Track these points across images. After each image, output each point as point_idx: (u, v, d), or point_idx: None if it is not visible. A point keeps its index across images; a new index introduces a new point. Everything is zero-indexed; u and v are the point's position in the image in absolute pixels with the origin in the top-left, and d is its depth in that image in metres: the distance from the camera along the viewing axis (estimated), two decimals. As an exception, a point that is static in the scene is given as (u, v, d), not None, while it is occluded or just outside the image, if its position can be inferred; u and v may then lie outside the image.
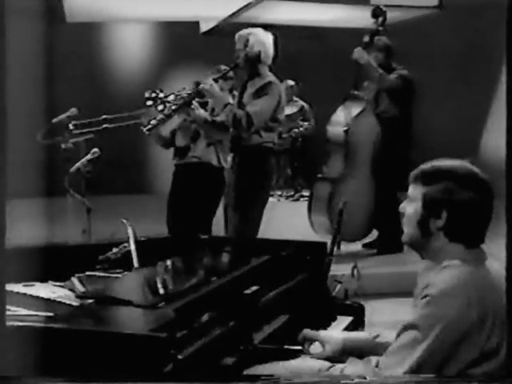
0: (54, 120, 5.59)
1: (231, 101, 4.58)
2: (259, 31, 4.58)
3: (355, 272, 4.42)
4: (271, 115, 4.50)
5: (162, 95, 5.50)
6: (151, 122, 4.66)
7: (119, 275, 2.77)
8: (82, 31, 10.19)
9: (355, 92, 5.86)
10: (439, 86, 8.21)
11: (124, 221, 2.96)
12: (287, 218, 7.16)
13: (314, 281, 3.04)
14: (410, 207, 2.07)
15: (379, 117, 5.88)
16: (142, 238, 3.06)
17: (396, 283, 5.33)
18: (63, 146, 5.54)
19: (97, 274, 2.88)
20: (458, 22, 7.90)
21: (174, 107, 4.67)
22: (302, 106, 9.48)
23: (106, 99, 11.16)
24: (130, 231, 2.92)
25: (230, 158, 5.72)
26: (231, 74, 5.55)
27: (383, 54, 5.99)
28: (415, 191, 2.06)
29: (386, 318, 4.34)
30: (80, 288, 2.65)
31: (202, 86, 4.51)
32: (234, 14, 8.04)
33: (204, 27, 10.10)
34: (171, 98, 5.39)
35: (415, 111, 6.03)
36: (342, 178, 5.77)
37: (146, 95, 5.48)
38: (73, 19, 9.32)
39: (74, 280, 2.76)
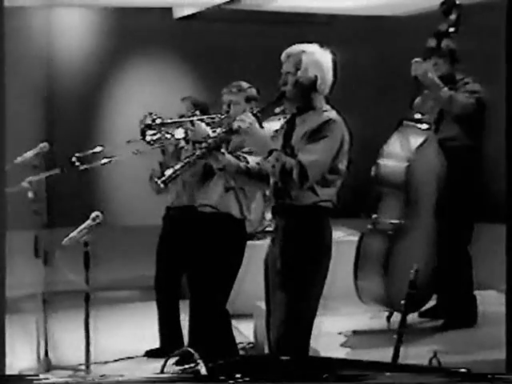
0: (18, 160, 4.93)
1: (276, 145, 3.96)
2: (315, 49, 3.94)
3: (433, 363, 4.03)
4: (330, 165, 3.88)
5: (157, 119, 4.94)
6: (166, 173, 4.01)
7: None
8: (24, 16, 9.67)
9: (414, 116, 5.24)
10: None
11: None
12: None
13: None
14: None
15: (442, 145, 5.28)
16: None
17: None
18: (30, 194, 4.90)
19: None
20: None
21: (198, 153, 4.02)
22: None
23: (61, 96, 10.69)
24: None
25: (254, 206, 5.17)
26: (255, 94, 5.01)
27: (447, 61, 5.37)
28: None
29: None
30: None
31: (237, 124, 3.86)
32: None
33: (178, 13, 9.68)
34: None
35: (486, 138, 5.44)
36: (400, 229, 5.11)
37: (148, 121, 4.87)
38: (12, 2, 8.68)
39: None
